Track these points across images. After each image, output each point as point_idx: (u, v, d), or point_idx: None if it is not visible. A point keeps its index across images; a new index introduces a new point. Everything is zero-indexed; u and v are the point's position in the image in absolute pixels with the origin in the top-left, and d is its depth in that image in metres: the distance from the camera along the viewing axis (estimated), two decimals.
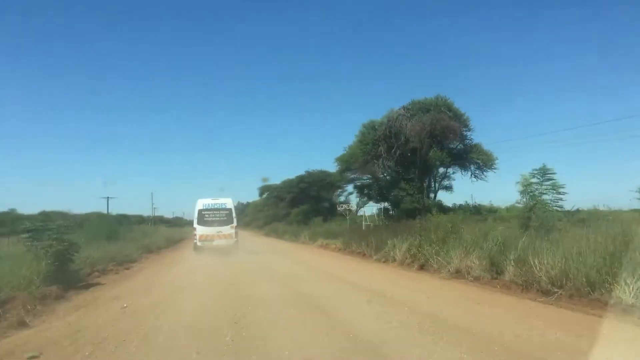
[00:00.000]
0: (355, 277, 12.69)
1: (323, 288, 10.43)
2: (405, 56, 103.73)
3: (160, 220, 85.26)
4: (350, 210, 44.78)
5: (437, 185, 24.89)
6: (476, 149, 23.11)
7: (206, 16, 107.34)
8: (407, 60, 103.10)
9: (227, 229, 21.81)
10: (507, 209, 21.12)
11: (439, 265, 12.56)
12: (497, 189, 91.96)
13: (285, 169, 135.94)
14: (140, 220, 78.14)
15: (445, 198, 29.24)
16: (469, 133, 23.01)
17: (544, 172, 13.93)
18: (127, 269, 17.29)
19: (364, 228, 27.29)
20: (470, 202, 25.17)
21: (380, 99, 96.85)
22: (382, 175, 25.44)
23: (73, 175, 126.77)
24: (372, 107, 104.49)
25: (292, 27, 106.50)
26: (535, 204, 13.64)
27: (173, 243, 37.73)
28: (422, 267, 13.63)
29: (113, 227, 26.19)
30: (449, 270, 11.82)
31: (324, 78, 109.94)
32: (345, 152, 38.11)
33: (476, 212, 21.51)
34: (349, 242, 22.08)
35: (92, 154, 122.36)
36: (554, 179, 13.81)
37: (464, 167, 23.96)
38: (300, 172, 50.86)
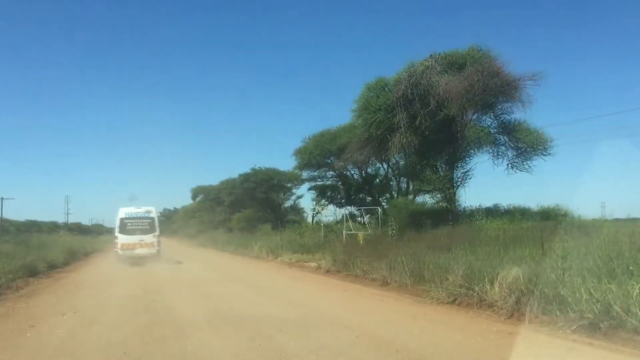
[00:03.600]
0: None
1: None
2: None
3: (77, 228, 76.20)
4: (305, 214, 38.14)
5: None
6: (520, 127, 16.24)
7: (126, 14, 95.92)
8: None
9: (150, 238, 21.55)
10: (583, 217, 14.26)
11: None
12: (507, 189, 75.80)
13: (224, 171, 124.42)
14: (54, 227, 68.50)
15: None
16: (509, 105, 15.97)
17: None
18: None
19: (344, 239, 20.36)
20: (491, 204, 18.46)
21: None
22: (395, 160, 17.85)
23: None
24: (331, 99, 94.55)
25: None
26: None
27: (79, 258, 27.95)
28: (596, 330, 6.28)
29: None
30: None
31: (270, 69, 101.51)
32: (305, 143, 30.88)
33: (544, 218, 14.57)
34: (347, 261, 14.43)
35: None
36: None
37: (497, 152, 16.97)
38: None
